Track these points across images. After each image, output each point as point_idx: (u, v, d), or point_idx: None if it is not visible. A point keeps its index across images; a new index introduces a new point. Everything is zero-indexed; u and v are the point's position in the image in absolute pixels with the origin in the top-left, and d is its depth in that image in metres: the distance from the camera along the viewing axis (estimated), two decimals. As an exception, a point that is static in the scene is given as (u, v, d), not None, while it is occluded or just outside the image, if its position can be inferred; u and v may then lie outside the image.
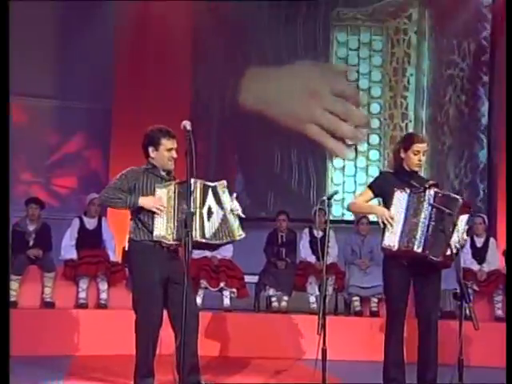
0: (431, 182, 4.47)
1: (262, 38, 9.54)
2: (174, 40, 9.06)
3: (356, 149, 9.63)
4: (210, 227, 4.23)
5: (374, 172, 9.48)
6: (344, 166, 9.64)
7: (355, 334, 6.87)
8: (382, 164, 9.56)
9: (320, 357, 4.35)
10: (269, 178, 9.56)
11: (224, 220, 4.28)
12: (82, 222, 7.27)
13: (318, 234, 7.45)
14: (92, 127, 9.51)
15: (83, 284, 6.99)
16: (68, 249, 7.13)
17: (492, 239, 7.69)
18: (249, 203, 9.33)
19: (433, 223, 4.26)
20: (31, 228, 7.09)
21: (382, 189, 4.56)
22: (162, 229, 4.21)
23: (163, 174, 4.38)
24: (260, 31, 9.53)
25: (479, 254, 7.52)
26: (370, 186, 4.66)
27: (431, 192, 4.32)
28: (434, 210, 4.27)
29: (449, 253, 4.25)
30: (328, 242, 4.88)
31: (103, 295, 7.03)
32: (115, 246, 7.34)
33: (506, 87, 8.04)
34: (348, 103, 9.57)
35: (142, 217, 4.29)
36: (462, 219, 4.38)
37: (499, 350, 6.27)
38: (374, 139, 9.63)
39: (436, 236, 4.24)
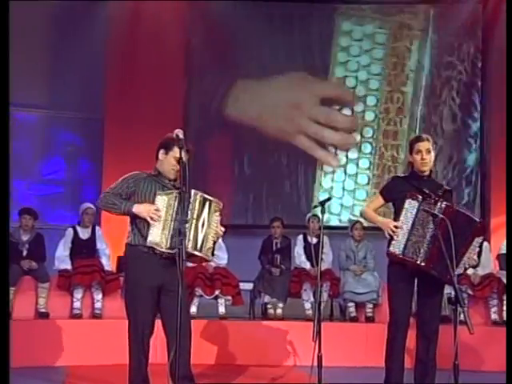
0: (445, 188, 4.45)
1: (258, 39, 9.56)
2: (167, 49, 9.08)
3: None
4: (201, 239, 4.22)
5: (365, 164, 9.57)
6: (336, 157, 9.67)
7: (351, 340, 6.86)
8: (373, 157, 9.58)
9: (316, 363, 4.35)
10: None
11: (205, 234, 4.25)
12: (75, 231, 7.25)
13: (313, 240, 7.47)
14: (84, 137, 9.50)
15: (78, 294, 6.97)
16: (62, 259, 7.11)
17: (485, 243, 7.69)
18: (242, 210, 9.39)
19: (440, 236, 4.17)
20: (25, 238, 7.08)
21: (392, 194, 4.54)
22: (157, 236, 4.20)
23: (167, 181, 4.36)
24: (257, 31, 9.56)
25: (473, 259, 7.53)
26: (381, 192, 4.64)
27: (442, 205, 4.26)
28: (444, 223, 4.17)
29: (458, 272, 4.24)
30: (322, 248, 4.88)
31: (98, 305, 7.01)
32: (109, 255, 7.33)
33: (506, 89, 8.07)
34: (333, 110, 9.58)
35: (139, 222, 4.28)
36: (477, 241, 4.35)
37: (494, 354, 6.30)
38: (368, 132, 9.62)
39: (443, 252, 4.13)
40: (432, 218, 4.22)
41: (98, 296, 7.02)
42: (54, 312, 6.89)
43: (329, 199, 4.92)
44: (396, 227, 4.29)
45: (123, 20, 8.92)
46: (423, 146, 4.48)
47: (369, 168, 9.58)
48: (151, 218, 4.17)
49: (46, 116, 9.52)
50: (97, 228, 7.37)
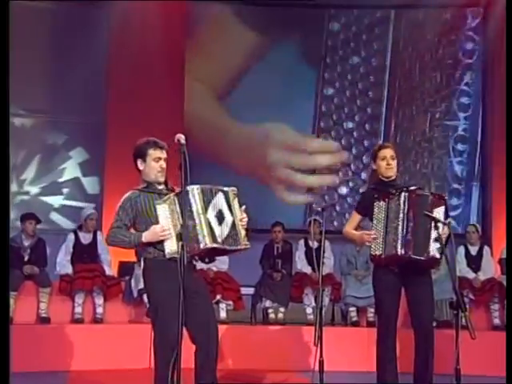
0: (412, 188, 4.51)
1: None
2: (167, 53, 9.10)
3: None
4: (221, 232, 4.10)
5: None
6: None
7: (352, 345, 6.85)
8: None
9: (317, 368, 4.34)
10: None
11: (233, 226, 4.15)
12: (77, 236, 7.26)
13: (314, 244, 7.46)
14: (86, 142, 9.51)
15: (79, 299, 6.97)
16: (63, 264, 7.12)
17: (486, 247, 7.70)
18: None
19: (411, 224, 4.34)
20: (27, 243, 7.09)
21: (366, 207, 4.63)
22: (172, 245, 4.10)
23: (160, 188, 4.28)
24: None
25: (474, 263, 7.53)
26: (356, 209, 4.78)
27: (405, 194, 4.40)
28: (411, 210, 4.35)
29: (437, 246, 4.31)
30: (324, 252, 4.89)
31: (99, 310, 7.02)
32: (111, 260, 7.33)
33: (507, 91, 8.08)
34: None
35: None
36: (439, 211, 4.41)
37: (496, 358, 6.28)
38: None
39: (416, 235, 4.33)
40: (400, 209, 4.36)
41: (99, 301, 7.03)
42: (55, 317, 6.90)
43: (331, 204, 4.95)
44: (369, 235, 4.45)
45: (124, 24, 8.93)
46: (388, 152, 4.59)
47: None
48: (163, 236, 4.08)
49: (46, 121, 9.53)
50: (98, 233, 7.36)
